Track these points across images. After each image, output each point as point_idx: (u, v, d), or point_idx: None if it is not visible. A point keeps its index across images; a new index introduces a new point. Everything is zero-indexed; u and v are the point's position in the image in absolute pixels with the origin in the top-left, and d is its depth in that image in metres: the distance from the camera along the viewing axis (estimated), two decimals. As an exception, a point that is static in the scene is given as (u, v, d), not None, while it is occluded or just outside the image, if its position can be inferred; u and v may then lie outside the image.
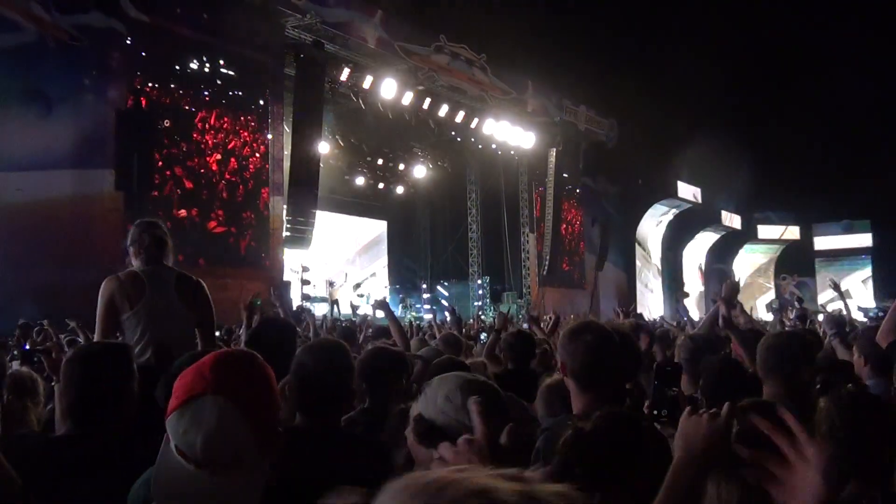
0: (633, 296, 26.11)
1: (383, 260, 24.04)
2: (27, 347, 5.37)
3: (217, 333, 7.22)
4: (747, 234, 33.79)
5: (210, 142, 14.03)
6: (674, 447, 1.54)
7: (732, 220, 32.30)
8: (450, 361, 3.19)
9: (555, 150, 22.50)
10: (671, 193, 27.61)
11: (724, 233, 32.52)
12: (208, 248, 13.62)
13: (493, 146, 20.95)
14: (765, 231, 34.53)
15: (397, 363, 2.94)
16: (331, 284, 20.89)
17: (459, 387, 1.65)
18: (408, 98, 17.34)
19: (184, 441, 1.35)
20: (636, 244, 27.36)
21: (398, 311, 20.70)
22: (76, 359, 2.33)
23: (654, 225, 28.64)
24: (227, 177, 14.26)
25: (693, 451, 1.45)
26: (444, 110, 18.30)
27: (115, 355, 2.37)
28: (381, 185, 22.42)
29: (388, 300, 6.37)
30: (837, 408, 1.99)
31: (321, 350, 2.33)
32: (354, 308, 11.96)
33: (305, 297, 18.81)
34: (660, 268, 29.24)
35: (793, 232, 34.78)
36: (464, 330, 7.88)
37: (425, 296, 22.99)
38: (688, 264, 30.96)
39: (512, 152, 21.79)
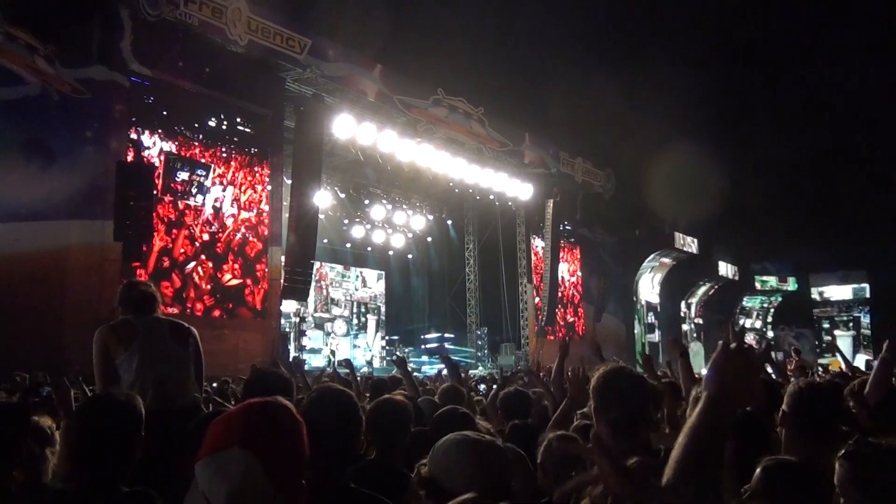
0: (632, 346, 25.99)
1: (380, 309, 23.96)
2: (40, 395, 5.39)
3: (215, 385, 7.12)
4: (744, 285, 33.84)
5: (208, 192, 14.11)
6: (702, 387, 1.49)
7: (729, 271, 32.37)
8: (452, 412, 3.14)
9: (552, 200, 22.65)
10: (668, 244, 27.73)
11: (720, 283, 32.57)
12: (205, 298, 13.58)
13: (491, 197, 21.10)
14: (762, 281, 34.60)
15: (403, 414, 2.91)
16: (329, 335, 20.87)
17: (458, 446, 1.65)
18: (406, 150, 17.52)
19: (209, 490, 1.35)
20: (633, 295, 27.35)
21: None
22: (81, 412, 2.34)
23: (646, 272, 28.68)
24: (227, 227, 14.31)
25: (722, 389, 1.39)
26: (442, 162, 18.47)
27: (121, 407, 2.35)
28: (379, 236, 22.48)
29: (406, 358, 6.42)
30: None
31: (329, 401, 2.27)
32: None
33: (301, 349, 18.71)
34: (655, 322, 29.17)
35: (790, 282, 34.85)
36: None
37: (423, 347, 22.85)
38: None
39: (510, 203, 21.94)
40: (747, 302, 34.65)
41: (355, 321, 22.39)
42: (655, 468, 1.43)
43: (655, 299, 29.10)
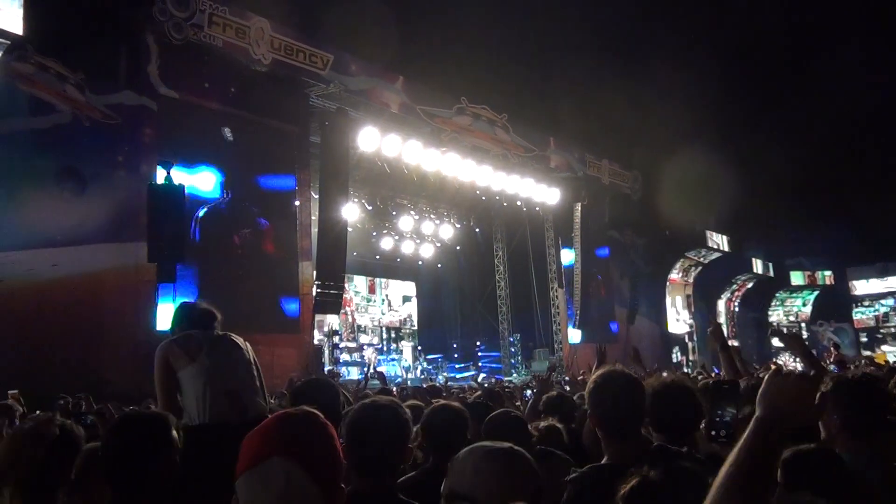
0: (667, 348, 25.70)
1: (414, 332, 24.03)
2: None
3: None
4: (780, 282, 33.28)
5: (238, 211, 14.28)
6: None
7: (763, 268, 31.88)
8: (506, 415, 3.10)
9: (580, 204, 22.52)
10: (700, 243, 27.39)
11: (755, 280, 32.07)
12: (239, 314, 13.70)
13: (518, 203, 21.04)
14: (797, 277, 33.99)
15: (460, 420, 2.87)
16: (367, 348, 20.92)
17: (486, 456, 1.62)
18: (432, 160, 17.56)
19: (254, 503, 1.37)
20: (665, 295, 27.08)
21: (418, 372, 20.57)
22: (114, 428, 2.38)
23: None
24: (256, 244, 14.45)
25: (777, 411, 1.36)
26: (468, 170, 18.46)
27: (152, 425, 2.37)
28: (408, 247, 22.52)
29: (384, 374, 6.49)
30: None
31: (377, 410, 2.25)
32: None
33: (336, 362, 18.78)
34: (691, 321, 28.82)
35: (826, 277, 34.19)
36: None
37: (455, 355, 22.79)
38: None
39: (537, 208, 21.85)
40: (782, 297, 34.06)
41: (385, 348, 22.33)
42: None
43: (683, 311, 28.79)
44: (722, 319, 30.44)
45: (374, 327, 22.51)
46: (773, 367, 1.45)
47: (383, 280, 23.66)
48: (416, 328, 23.97)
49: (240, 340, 3.84)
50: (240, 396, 3.48)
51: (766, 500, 1.31)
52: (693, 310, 29.03)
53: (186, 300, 4.13)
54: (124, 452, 2.24)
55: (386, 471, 2.15)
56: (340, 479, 1.47)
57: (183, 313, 3.84)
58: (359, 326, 21.90)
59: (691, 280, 28.93)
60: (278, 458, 1.38)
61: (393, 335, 22.82)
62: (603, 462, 2.34)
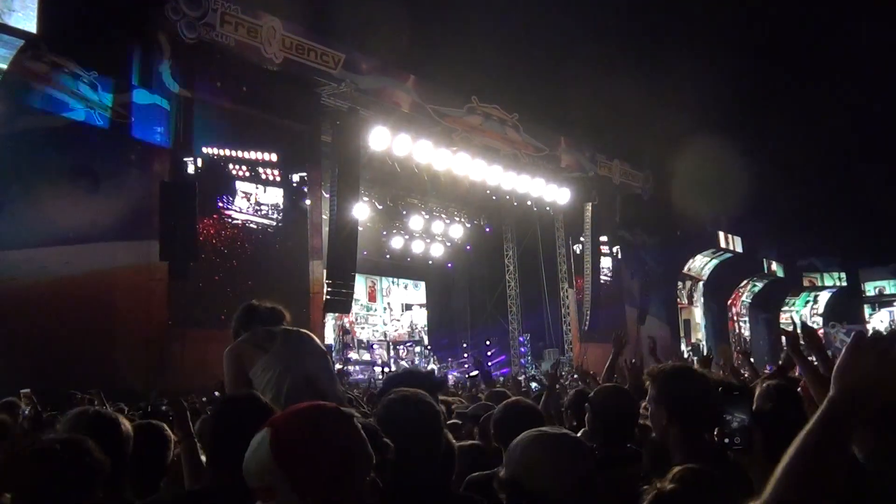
0: (678, 350, 25.60)
1: (423, 343, 23.90)
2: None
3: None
4: (791, 282, 33.13)
5: (250, 209, 14.34)
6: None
7: (775, 268, 31.75)
8: (524, 406, 3.08)
9: (590, 204, 22.49)
10: (712, 243, 27.30)
11: (767, 281, 31.95)
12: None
13: (529, 203, 21.02)
14: (810, 278, 33.84)
15: (535, 417, 2.85)
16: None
17: (538, 442, 1.62)
18: (442, 159, 17.58)
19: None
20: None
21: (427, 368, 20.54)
22: (219, 413, 2.42)
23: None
24: (268, 243, 14.52)
25: (854, 388, 1.16)
26: (478, 170, 18.47)
27: (254, 403, 2.38)
28: (418, 246, 22.54)
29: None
30: None
31: (406, 403, 2.19)
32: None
33: (347, 361, 18.81)
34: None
35: (839, 278, 34.01)
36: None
37: (465, 355, 22.77)
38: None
39: (548, 208, 21.84)
40: (793, 299, 33.92)
41: (394, 366, 19.54)
42: None
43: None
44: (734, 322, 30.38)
45: (379, 341, 20.90)
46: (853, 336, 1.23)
47: (385, 284, 23.44)
48: (423, 336, 23.54)
49: (308, 333, 3.84)
50: (318, 382, 3.45)
51: (837, 494, 1.13)
52: (704, 311, 28.97)
53: (251, 302, 3.91)
54: (230, 432, 2.21)
55: (418, 463, 2.08)
56: (341, 474, 1.49)
57: (248, 314, 3.77)
58: (360, 342, 20.45)
59: (701, 282, 28.84)
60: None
61: (401, 352, 20.63)
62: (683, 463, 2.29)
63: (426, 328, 24.24)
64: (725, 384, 2.63)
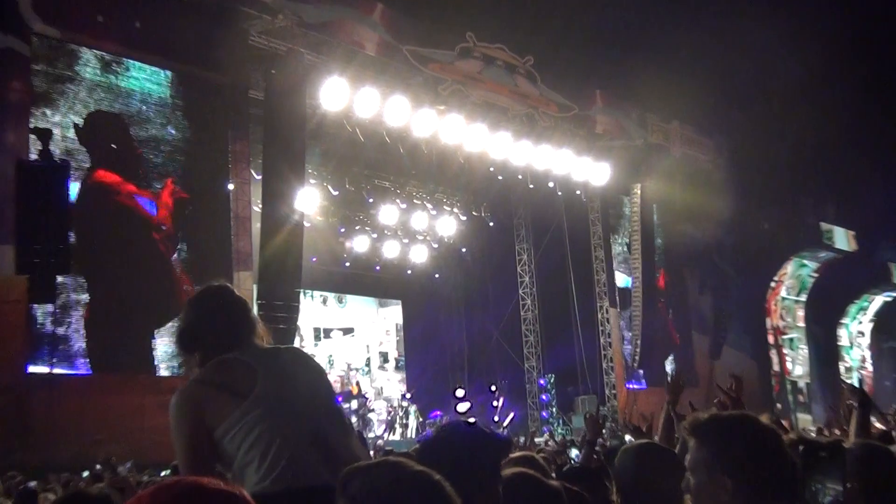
0: (767, 391, 25.70)
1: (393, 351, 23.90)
2: None
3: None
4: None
5: (146, 200, 14.35)
6: None
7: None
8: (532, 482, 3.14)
9: (639, 186, 22.59)
10: (813, 241, 27.40)
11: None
12: (148, 351, 13.79)
13: (551, 185, 21.08)
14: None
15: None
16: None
17: None
18: (425, 123, 17.61)
19: None
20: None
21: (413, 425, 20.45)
22: None
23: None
24: (171, 245, 14.53)
25: None
26: (477, 138, 18.51)
27: None
28: (391, 248, 22.52)
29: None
30: None
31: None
32: None
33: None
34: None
35: None
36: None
37: (461, 406, 22.69)
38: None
39: (578, 192, 21.91)
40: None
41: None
42: None
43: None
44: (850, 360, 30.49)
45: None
46: None
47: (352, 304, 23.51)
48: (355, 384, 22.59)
49: (304, 354, 3.57)
50: (328, 441, 3.08)
51: None
52: (806, 337, 29.07)
53: (211, 286, 3.40)
54: None
55: None
56: None
57: (204, 312, 3.34)
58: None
59: (803, 297, 28.93)
60: None
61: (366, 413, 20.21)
62: None
63: (396, 363, 24.12)
64: (808, 442, 2.67)
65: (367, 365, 23.71)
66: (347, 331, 23.40)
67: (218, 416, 2.98)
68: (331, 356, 21.98)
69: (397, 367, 24.46)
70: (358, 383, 21.35)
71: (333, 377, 20.96)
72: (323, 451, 2.99)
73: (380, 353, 24.35)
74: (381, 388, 23.30)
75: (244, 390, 3.03)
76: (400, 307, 24.76)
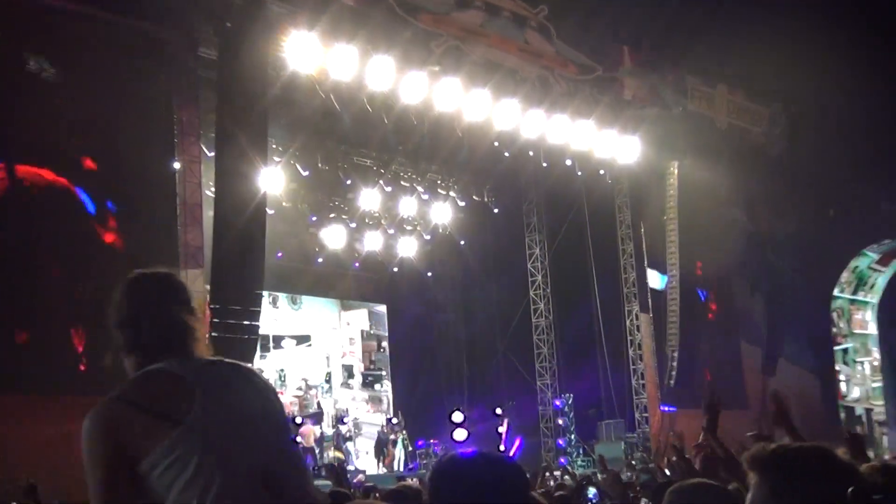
0: (833, 414, 25.68)
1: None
2: None
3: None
4: None
5: (72, 180, 14.25)
6: None
7: None
8: None
9: (676, 164, 22.55)
10: (888, 231, 27.41)
11: None
12: (62, 370, 13.70)
13: (569, 162, 21.11)
14: None
15: None
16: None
17: None
18: (415, 88, 17.59)
19: None
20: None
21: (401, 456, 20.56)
22: None
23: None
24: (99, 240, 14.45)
25: None
26: (479, 106, 18.48)
27: None
28: (374, 240, 22.50)
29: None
30: None
31: None
32: None
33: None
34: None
35: None
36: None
37: (458, 434, 22.66)
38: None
39: (602, 172, 21.96)
40: None
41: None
42: None
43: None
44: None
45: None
46: None
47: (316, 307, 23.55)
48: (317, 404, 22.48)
49: (247, 370, 3.42)
50: (281, 481, 3.03)
51: None
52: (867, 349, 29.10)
53: (141, 273, 3.19)
54: None
55: None
56: None
57: (132, 310, 3.15)
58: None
59: (875, 299, 28.95)
60: None
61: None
62: None
63: (364, 380, 24.14)
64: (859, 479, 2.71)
65: (328, 381, 23.48)
66: (302, 339, 23.17)
67: (143, 445, 2.84)
68: (282, 371, 22.02)
69: (364, 384, 24.29)
70: (319, 404, 21.40)
71: (288, 398, 21.14)
72: (275, 493, 2.93)
73: (343, 366, 24.16)
74: (346, 410, 22.78)
75: (177, 413, 2.89)
76: (366, 312, 24.79)
